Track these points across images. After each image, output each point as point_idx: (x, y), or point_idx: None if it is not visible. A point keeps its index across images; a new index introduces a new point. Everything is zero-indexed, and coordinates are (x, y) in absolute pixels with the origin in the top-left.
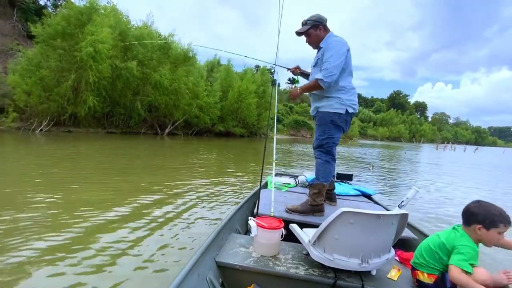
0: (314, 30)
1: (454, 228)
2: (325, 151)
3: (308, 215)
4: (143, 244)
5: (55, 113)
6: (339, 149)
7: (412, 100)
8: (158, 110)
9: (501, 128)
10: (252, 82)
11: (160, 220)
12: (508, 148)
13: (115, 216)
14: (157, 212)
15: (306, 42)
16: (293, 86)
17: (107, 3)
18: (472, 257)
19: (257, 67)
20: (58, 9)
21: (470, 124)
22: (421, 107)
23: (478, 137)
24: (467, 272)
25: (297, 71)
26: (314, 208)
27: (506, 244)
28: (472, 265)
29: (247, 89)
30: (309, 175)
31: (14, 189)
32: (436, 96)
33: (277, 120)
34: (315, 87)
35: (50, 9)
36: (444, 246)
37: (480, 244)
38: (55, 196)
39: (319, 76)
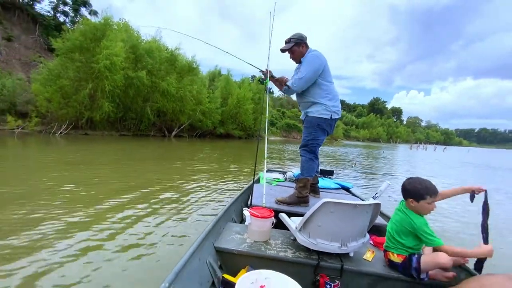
0: (297, 47)
1: (399, 209)
2: (309, 150)
3: (295, 205)
4: (150, 229)
5: (73, 117)
6: (326, 149)
7: (389, 106)
8: (165, 115)
9: (466, 130)
10: (249, 90)
11: (168, 207)
12: (472, 147)
13: (131, 202)
14: (166, 202)
15: (290, 58)
16: (264, 83)
17: (119, 20)
18: (428, 232)
19: (253, 76)
20: (76, 25)
21: (439, 127)
22: (397, 112)
23: (447, 138)
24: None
25: (267, 74)
26: (300, 200)
27: (446, 194)
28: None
29: (244, 96)
30: (296, 171)
31: (47, 181)
32: (410, 102)
33: (271, 123)
34: (282, 82)
35: (68, 25)
36: (402, 229)
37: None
38: (83, 186)
39: (289, 82)
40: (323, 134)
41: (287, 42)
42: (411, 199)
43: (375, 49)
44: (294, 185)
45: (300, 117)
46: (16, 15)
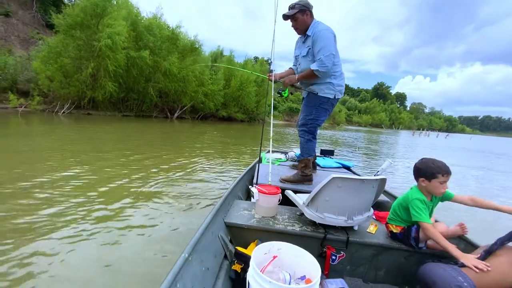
0: (301, 14)
1: (411, 188)
2: (308, 131)
3: (299, 184)
4: (161, 206)
5: (75, 97)
6: (329, 133)
7: (393, 91)
8: (168, 96)
9: (470, 118)
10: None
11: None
12: (475, 135)
13: (140, 178)
14: (178, 181)
15: (292, 26)
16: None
17: None
18: (419, 207)
19: (256, 58)
20: (74, 1)
21: (443, 114)
22: (401, 98)
23: (450, 125)
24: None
25: (289, 82)
26: (304, 178)
27: (459, 200)
28: (436, 221)
29: (247, 78)
30: (297, 151)
31: (53, 159)
32: (415, 88)
33: (273, 107)
34: (311, 76)
35: (66, 0)
36: (402, 204)
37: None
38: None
39: (314, 67)
40: (324, 114)
41: (290, 8)
42: (422, 178)
43: (383, 31)
44: (295, 164)
45: (302, 94)
46: None
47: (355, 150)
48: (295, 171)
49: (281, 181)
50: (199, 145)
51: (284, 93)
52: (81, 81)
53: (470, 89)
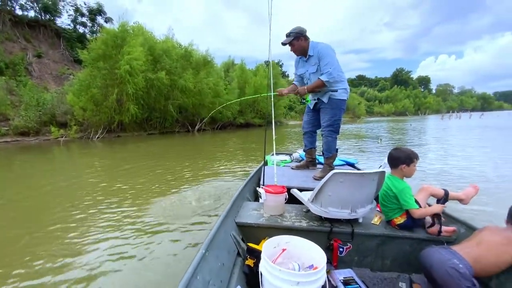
0: (297, 40)
1: (388, 177)
2: (334, 130)
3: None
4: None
5: (106, 122)
6: (350, 127)
7: (414, 76)
8: (187, 110)
9: (507, 92)
10: (264, 77)
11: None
12: None
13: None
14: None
15: (291, 50)
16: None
17: (134, 23)
18: (409, 193)
19: (267, 62)
20: (95, 35)
21: (475, 92)
22: (424, 81)
23: (484, 103)
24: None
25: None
26: (331, 169)
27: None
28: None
29: (261, 84)
30: (301, 152)
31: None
32: (439, 69)
33: (289, 108)
34: (321, 86)
35: (88, 35)
36: (389, 195)
37: None
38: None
39: (324, 78)
40: (342, 113)
41: (287, 36)
42: (404, 165)
43: (395, 15)
44: (298, 164)
45: (310, 102)
46: (42, 32)
47: (379, 142)
48: (299, 172)
49: (315, 179)
50: (229, 153)
51: (307, 100)
52: (109, 107)
53: (503, 61)
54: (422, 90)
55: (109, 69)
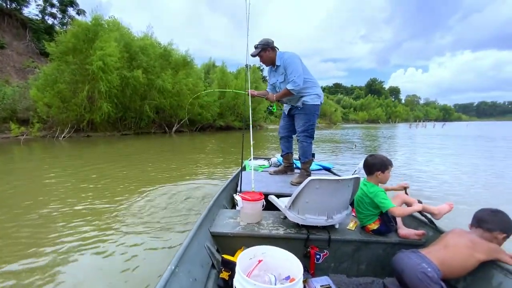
0: (264, 52)
1: (363, 183)
2: (309, 135)
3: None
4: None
5: (74, 120)
6: (326, 132)
7: (387, 86)
8: (164, 111)
9: (465, 105)
10: (245, 81)
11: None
12: (471, 121)
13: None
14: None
15: (261, 61)
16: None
17: (109, 17)
18: (383, 195)
19: (247, 66)
20: (65, 27)
21: (438, 103)
22: (395, 91)
23: (446, 114)
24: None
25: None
26: (308, 174)
27: (387, 189)
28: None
29: (241, 87)
30: (279, 156)
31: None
32: (408, 81)
33: (269, 112)
34: (288, 94)
35: (58, 27)
36: (364, 200)
37: None
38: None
39: (289, 86)
40: (316, 118)
41: (255, 48)
42: (379, 172)
43: (370, 29)
44: (276, 170)
45: (285, 108)
46: (6, 22)
47: (353, 148)
48: (277, 177)
49: (292, 184)
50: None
51: (273, 109)
52: (78, 105)
53: (462, 76)
54: (393, 99)
55: (79, 64)
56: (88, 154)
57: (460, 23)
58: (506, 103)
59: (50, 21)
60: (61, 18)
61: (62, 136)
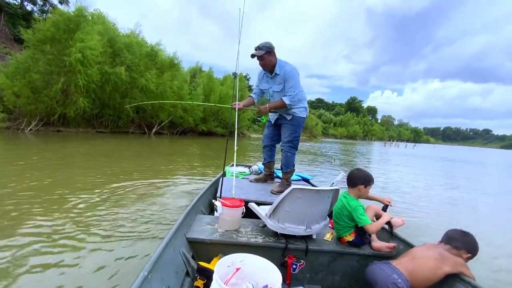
0: (268, 55)
1: (343, 195)
2: (293, 146)
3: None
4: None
5: (44, 113)
6: (307, 145)
7: (365, 105)
8: (145, 111)
9: (433, 129)
10: (231, 88)
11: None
12: (438, 144)
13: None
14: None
15: (260, 64)
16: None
17: (94, 10)
18: (361, 211)
19: (234, 74)
20: (45, 15)
21: (410, 125)
22: (372, 111)
23: (416, 136)
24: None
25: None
26: (288, 184)
27: (372, 197)
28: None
29: (227, 93)
30: (260, 165)
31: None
32: (385, 102)
33: (253, 121)
34: (282, 107)
35: (37, 14)
36: (343, 213)
37: None
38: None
39: (287, 101)
40: (301, 130)
41: (257, 49)
42: (362, 185)
43: (353, 50)
44: (257, 178)
45: (271, 117)
46: None
47: (332, 162)
48: (257, 184)
49: (273, 193)
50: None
51: (262, 119)
52: (50, 97)
53: (432, 103)
54: (370, 118)
55: (56, 54)
56: (56, 150)
57: (432, 53)
58: (468, 130)
59: (29, 7)
60: (42, 5)
61: (29, 128)
